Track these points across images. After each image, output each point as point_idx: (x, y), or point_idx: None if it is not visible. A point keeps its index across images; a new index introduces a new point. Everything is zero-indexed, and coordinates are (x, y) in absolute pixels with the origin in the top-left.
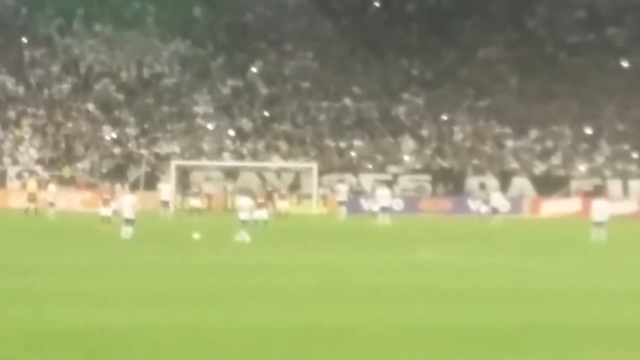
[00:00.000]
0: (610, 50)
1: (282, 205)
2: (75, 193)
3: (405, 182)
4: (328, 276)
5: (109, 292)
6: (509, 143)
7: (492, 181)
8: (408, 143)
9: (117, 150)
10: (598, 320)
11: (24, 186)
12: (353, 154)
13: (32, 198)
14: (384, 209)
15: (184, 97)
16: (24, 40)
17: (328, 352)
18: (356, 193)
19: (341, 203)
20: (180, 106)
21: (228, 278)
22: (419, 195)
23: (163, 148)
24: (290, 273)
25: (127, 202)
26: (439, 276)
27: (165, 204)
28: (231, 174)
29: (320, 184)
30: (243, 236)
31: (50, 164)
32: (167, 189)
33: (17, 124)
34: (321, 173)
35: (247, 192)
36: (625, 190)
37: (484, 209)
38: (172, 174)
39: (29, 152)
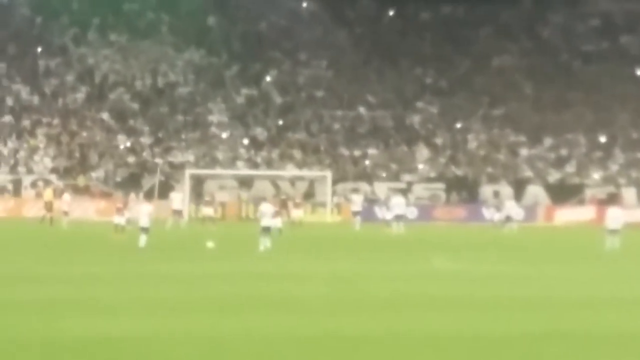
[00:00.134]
0: (625, 59)
1: (297, 213)
2: (89, 202)
3: (420, 190)
4: (342, 285)
5: (122, 302)
6: (523, 151)
7: (506, 189)
8: (422, 151)
9: (131, 159)
10: (613, 328)
11: (38, 195)
12: (367, 162)
13: (48, 207)
14: (399, 217)
15: (199, 106)
16: (39, 49)
17: None
18: (370, 201)
19: (356, 213)
20: (194, 115)
21: (242, 287)
22: (433, 204)
23: (177, 157)
24: (304, 282)
25: (143, 210)
26: (453, 285)
27: (177, 213)
28: (245, 182)
29: (334, 193)
30: (265, 243)
31: (64, 173)
32: (178, 197)
33: (31, 133)
34: (335, 182)
35: (268, 198)
36: None
37: (497, 216)
38: (187, 182)
39: (44, 162)
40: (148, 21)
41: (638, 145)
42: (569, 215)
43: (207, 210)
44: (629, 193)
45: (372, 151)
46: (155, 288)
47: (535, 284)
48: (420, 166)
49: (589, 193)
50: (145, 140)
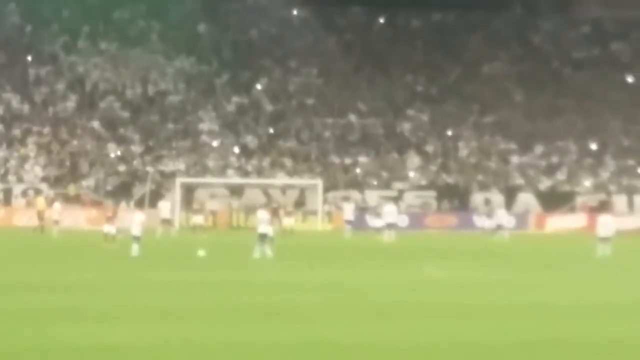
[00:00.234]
0: (615, 66)
1: (288, 222)
2: (80, 211)
3: (411, 198)
4: (334, 293)
5: (114, 310)
6: (514, 159)
7: (497, 197)
8: (413, 159)
9: (122, 168)
10: (604, 335)
11: (29, 204)
12: (358, 170)
13: (41, 216)
14: (390, 225)
15: (189, 114)
16: (29, 58)
17: None
18: (361, 209)
19: (347, 222)
20: (185, 123)
21: (234, 295)
22: (424, 212)
23: (168, 165)
24: (296, 290)
25: (136, 219)
26: (444, 292)
27: (166, 222)
28: (236, 191)
29: (325, 201)
30: (262, 251)
31: (55, 181)
32: (167, 207)
33: (22, 141)
34: (326, 190)
35: (264, 205)
36: (631, 205)
37: (488, 224)
38: (177, 191)
39: (34, 170)
40: (138, 29)
41: (629, 152)
42: (560, 222)
43: (197, 219)
44: (620, 200)
45: (362, 159)
46: (146, 296)
47: (526, 292)
48: (411, 174)
49: (580, 200)
50: (136, 148)
